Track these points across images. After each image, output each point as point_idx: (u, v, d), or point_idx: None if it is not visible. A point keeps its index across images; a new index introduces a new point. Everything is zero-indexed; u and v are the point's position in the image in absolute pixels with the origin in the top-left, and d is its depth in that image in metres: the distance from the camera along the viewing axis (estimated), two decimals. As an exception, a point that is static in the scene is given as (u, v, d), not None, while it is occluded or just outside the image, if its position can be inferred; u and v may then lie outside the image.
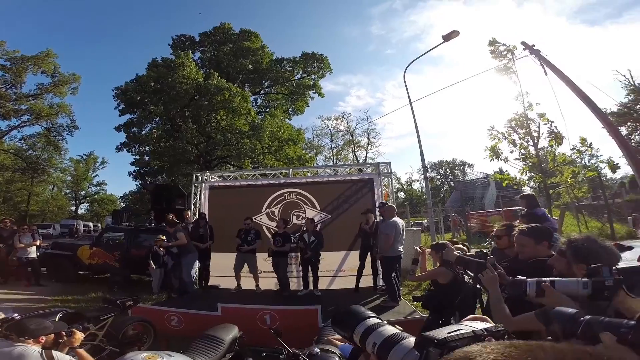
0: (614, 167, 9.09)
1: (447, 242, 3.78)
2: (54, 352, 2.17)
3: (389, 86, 71.74)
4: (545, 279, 1.52)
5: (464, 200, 29.91)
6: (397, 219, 6.24)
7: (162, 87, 20.87)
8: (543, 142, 8.95)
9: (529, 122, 8.58)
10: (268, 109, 30.18)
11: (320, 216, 7.98)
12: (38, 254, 8.67)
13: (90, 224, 36.91)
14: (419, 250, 3.78)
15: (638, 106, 24.46)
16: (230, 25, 28.36)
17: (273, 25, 66.27)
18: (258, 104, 30.83)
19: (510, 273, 2.66)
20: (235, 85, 23.93)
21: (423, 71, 62.52)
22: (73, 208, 44.89)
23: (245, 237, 7.10)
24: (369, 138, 41.21)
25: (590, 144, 8.79)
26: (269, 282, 7.21)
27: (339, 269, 7.50)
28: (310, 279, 6.80)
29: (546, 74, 8.05)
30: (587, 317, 1.00)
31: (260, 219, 8.11)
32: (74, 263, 8.80)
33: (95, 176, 45.85)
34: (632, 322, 0.92)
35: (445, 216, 20.84)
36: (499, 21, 62.97)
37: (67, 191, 44.13)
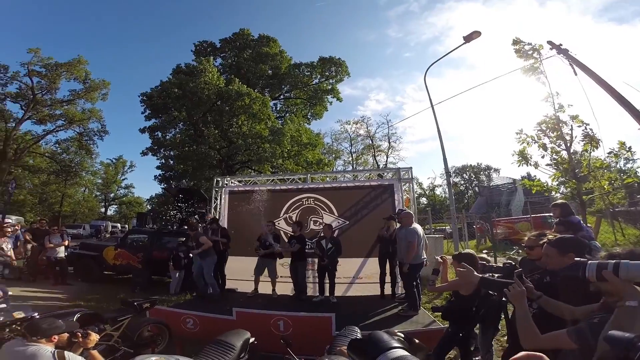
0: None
1: (471, 251, 3.61)
2: (66, 353, 2.19)
3: (408, 89, 71.28)
4: (607, 262, 1.45)
5: (489, 206, 28.96)
6: (416, 225, 6.08)
7: (185, 92, 21.44)
8: (576, 146, 8.48)
9: (560, 124, 8.14)
10: (287, 114, 30.44)
11: (338, 222, 7.88)
12: (66, 254, 9.02)
13: (118, 225, 38.27)
14: (439, 260, 3.68)
15: None
16: (249, 31, 28.94)
17: (291, 30, 67.50)
18: (278, 108, 31.20)
19: (540, 286, 2.50)
20: (256, 90, 24.34)
21: (443, 74, 61.70)
22: (103, 209, 46.83)
23: (265, 240, 7.09)
24: (389, 142, 40.53)
25: (630, 148, 8.24)
26: (285, 287, 7.15)
27: (356, 276, 7.37)
28: (327, 286, 6.72)
29: (576, 73, 7.66)
30: None
31: (279, 223, 8.10)
32: (100, 263, 9.09)
33: (124, 179, 47.94)
34: None
35: (469, 222, 20.25)
36: (521, 21, 61.25)
37: (98, 193, 46.17)
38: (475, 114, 67.69)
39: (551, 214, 11.68)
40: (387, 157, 41.05)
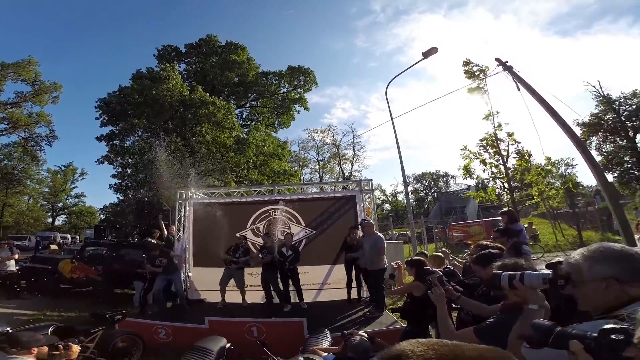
0: (574, 185, 9.73)
1: (420, 257, 4.06)
2: None
3: (372, 99, 73.61)
4: (515, 272, 1.70)
5: (445, 211, 30.62)
6: (378, 233, 6.55)
7: (146, 99, 20.73)
8: (512, 161, 9.62)
9: (498, 141, 9.18)
10: (254, 122, 30.28)
11: (305, 232, 8.16)
12: (17, 267, 8.53)
13: (68, 235, 35.75)
14: (395, 265, 4.09)
15: (608, 116, 25.52)
16: (217, 37, 28.56)
17: (259, 37, 67.33)
18: (244, 117, 30.90)
19: (471, 288, 2.98)
20: (221, 98, 23.97)
21: (406, 84, 64.77)
22: (50, 220, 43.37)
23: (234, 253, 7.23)
24: (354, 151, 41.94)
25: (555, 162, 9.48)
26: (255, 296, 7.30)
27: (324, 282, 7.68)
28: (294, 293, 6.95)
29: (519, 89, 8.60)
30: (559, 328, 1.08)
31: (246, 234, 8.22)
32: (55, 277, 8.69)
33: (74, 187, 44.65)
34: (595, 334, 0.99)
35: (427, 227, 21.40)
36: (477, 33, 65.92)
37: (44, 203, 42.63)
38: (434, 123, 71.63)
39: (499, 218, 12.82)
40: (352, 165, 42.38)
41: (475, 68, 9.25)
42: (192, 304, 7.37)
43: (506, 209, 5.89)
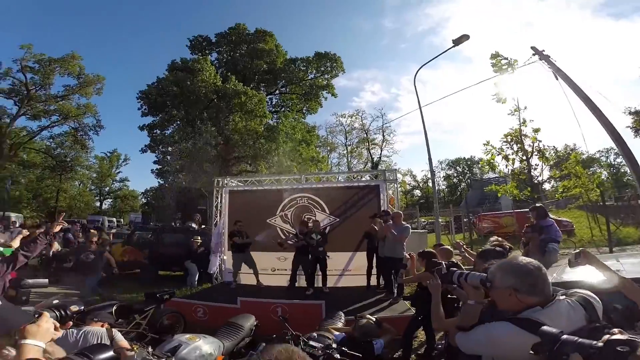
0: (602, 183, 9.45)
1: (431, 250, 4.40)
2: (114, 330, 2.75)
3: (403, 80, 71.56)
4: (464, 271, 1.89)
5: (478, 200, 29.67)
6: (405, 224, 6.96)
7: (183, 91, 21.82)
8: (535, 159, 9.55)
9: (523, 138, 9.08)
10: (283, 109, 30.82)
11: (329, 219, 8.52)
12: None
13: (114, 219, 38.49)
14: (407, 256, 4.45)
15: None
16: (245, 26, 29.12)
17: (286, 21, 66.84)
18: (273, 103, 31.58)
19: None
20: (251, 86, 24.70)
21: (440, 66, 62.35)
22: (98, 204, 46.92)
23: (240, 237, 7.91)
24: (383, 136, 41.32)
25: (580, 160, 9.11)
26: (280, 279, 7.87)
27: (346, 268, 8.08)
28: (319, 277, 7.46)
29: (557, 78, 8.32)
30: (565, 337, 1.12)
31: (275, 221, 8.74)
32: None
33: (118, 172, 47.54)
34: (600, 344, 1.01)
35: (456, 216, 21.12)
36: (519, 14, 61.32)
37: (92, 187, 45.93)
38: (472, 107, 68.84)
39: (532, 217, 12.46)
40: (381, 150, 41.89)
41: (503, 61, 9.04)
42: (225, 286, 8.10)
43: (537, 204, 5.88)
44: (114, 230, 20.29)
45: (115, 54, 64.35)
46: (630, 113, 23.07)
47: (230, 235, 8.17)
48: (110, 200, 49.87)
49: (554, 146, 10.48)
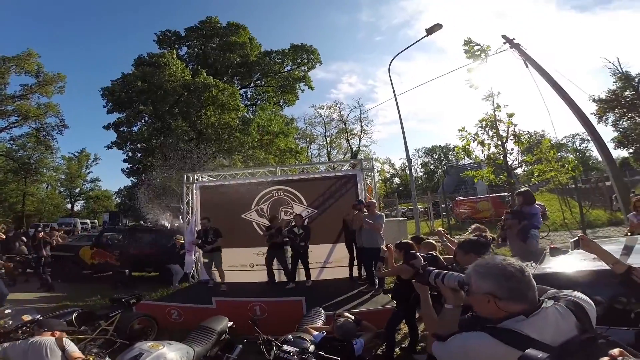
0: (576, 167, 9.76)
1: (409, 241, 4.26)
2: (65, 339, 2.58)
3: (380, 73, 72.86)
4: (441, 271, 1.69)
5: (455, 186, 30.37)
6: (379, 212, 6.79)
7: (150, 86, 21.03)
8: (510, 143, 9.75)
9: (497, 123, 9.23)
10: (259, 102, 30.42)
11: (307, 211, 8.34)
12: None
13: (88, 221, 37.03)
14: (384, 248, 4.29)
15: (626, 93, 25.04)
16: (217, 19, 28.29)
17: (260, 15, 65.58)
18: (248, 96, 31.08)
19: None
20: (224, 79, 24.13)
21: (414, 57, 63.17)
22: (69, 206, 44.92)
23: (205, 237, 7.54)
24: (361, 126, 41.87)
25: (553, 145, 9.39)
26: (260, 275, 7.69)
27: (327, 260, 7.95)
28: (301, 271, 7.32)
29: (527, 66, 8.45)
30: None
31: (251, 215, 8.49)
32: (77, 263, 9.23)
33: (88, 173, 45.70)
34: None
35: (435, 202, 21.43)
36: (490, 6, 62.69)
37: (62, 189, 43.94)
38: (446, 96, 70.21)
39: (507, 194, 12.62)
40: (359, 140, 42.37)
41: (476, 47, 9.09)
42: (202, 285, 7.84)
43: (523, 188, 5.66)
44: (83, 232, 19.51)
45: (78, 52, 61.15)
46: (594, 100, 24.48)
47: (197, 234, 7.83)
48: (82, 201, 47.87)
49: (527, 131, 10.91)
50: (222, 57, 26.53)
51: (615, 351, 0.90)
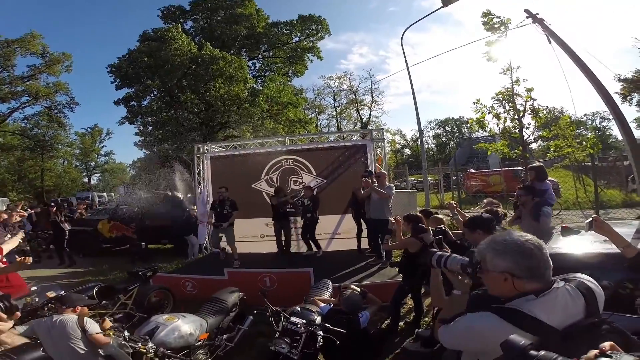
0: (595, 144, 9.43)
1: (418, 214, 4.19)
2: (85, 318, 2.64)
3: (392, 44, 70.04)
4: (444, 254, 1.66)
5: (467, 158, 29.79)
6: (389, 184, 6.71)
7: (157, 61, 20.94)
8: (527, 118, 9.47)
9: (515, 96, 8.92)
10: (267, 73, 30.02)
11: (317, 181, 8.31)
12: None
13: (104, 194, 38.13)
14: (393, 220, 4.21)
15: None
16: (222, -9, 27.43)
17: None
18: (257, 68, 30.69)
19: (461, 250, 2.79)
20: (232, 52, 23.86)
21: (429, 29, 60.25)
22: (86, 179, 46.25)
23: (221, 208, 7.19)
24: (372, 97, 41.01)
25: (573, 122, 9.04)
26: (270, 246, 7.78)
27: (335, 231, 8.01)
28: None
29: (550, 42, 8.05)
30: (540, 353, 0.89)
31: (260, 185, 8.53)
32: (96, 238, 9.39)
33: (102, 147, 46.63)
34: None
35: (445, 174, 20.86)
36: None
37: (78, 164, 45.13)
38: (462, 68, 67.28)
39: (521, 168, 12.29)
40: (370, 111, 41.68)
41: (495, 20, 8.56)
42: (215, 256, 7.88)
43: (536, 163, 5.41)
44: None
45: (83, 30, 60.14)
46: (619, 80, 23.32)
47: (212, 204, 7.63)
48: (98, 174, 49.22)
49: (546, 106, 10.47)
50: (229, 30, 26.00)
51: (606, 345, 0.87)
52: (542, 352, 0.90)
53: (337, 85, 40.69)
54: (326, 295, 3.89)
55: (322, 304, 3.36)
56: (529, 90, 9.13)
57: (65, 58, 27.79)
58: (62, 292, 3.12)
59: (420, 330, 3.87)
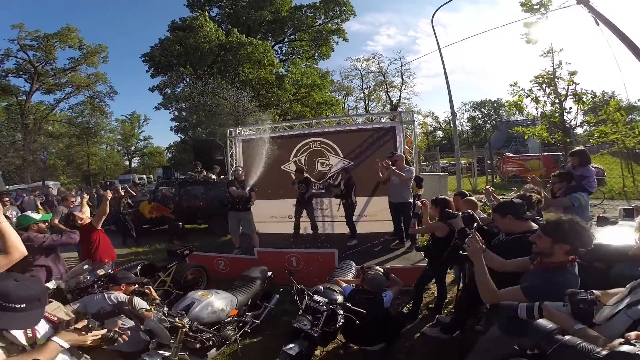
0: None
1: (446, 197, 4.13)
2: (135, 297, 2.79)
3: (421, 24, 66.44)
4: (533, 304, 1.57)
5: (506, 140, 28.28)
6: (408, 166, 6.60)
7: (187, 49, 21.67)
8: (569, 102, 8.88)
9: (556, 80, 8.35)
10: (293, 57, 30.01)
11: (344, 163, 8.33)
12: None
13: (144, 176, 40.38)
14: (420, 204, 4.16)
15: None
16: (244, -24, 27.43)
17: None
18: (283, 52, 30.87)
19: (489, 236, 2.80)
20: (258, 37, 24.06)
21: (461, 8, 56.78)
22: (127, 163, 49.12)
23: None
24: (402, 78, 39.69)
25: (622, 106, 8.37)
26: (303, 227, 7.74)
27: (362, 214, 8.02)
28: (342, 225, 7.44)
29: (598, 24, 7.45)
30: (565, 338, 0.95)
31: (289, 166, 8.68)
32: (139, 218, 9.79)
33: (141, 132, 49.39)
34: (604, 352, 0.89)
35: (480, 157, 19.91)
36: None
37: (119, 148, 48.10)
38: (499, 50, 62.60)
39: (561, 154, 11.58)
40: (400, 93, 40.51)
41: (534, 1, 7.95)
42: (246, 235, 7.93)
43: (578, 148, 5.06)
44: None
45: (114, 22, 61.98)
46: None
47: (228, 184, 7.31)
48: (137, 158, 52.10)
49: (592, 90, 9.64)
50: (254, 15, 26.19)
51: (632, 334, 0.91)
52: (567, 337, 0.95)
53: (364, 67, 39.78)
54: (349, 276, 3.99)
55: (345, 285, 3.47)
56: (572, 73, 8.56)
57: (102, 49, 29.55)
58: (111, 270, 3.40)
59: (441, 316, 3.86)
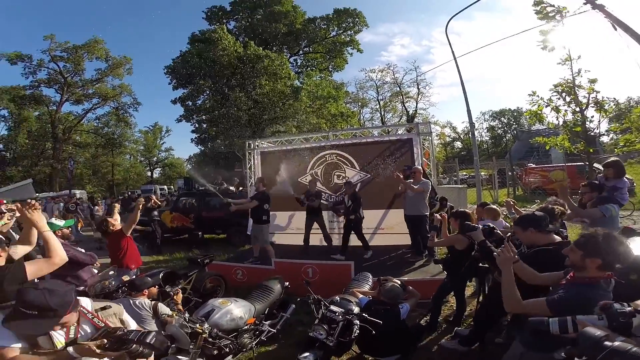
0: None
1: (466, 210, 4.13)
2: (159, 304, 2.94)
3: (435, 33, 66.34)
4: (566, 318, 1.49)
5: (528, 151, 27.69)
6: (424, 179, 6.58)
7: (206, 61, 22.45)
8: (590, 111, 8.69)
9: (576, 89, 8.20)
10: (308, 69, 30.66)
11: (360, 176, 8.32)
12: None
13: (165, 187, 41.30)
14: (438, 217, 4.14)
15: None
16: (259, -11, 28.48)
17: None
18: (298, 64, 31.57)
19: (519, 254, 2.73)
20: (274, 49, 24.71)
21: (475, 17, 56.50)
22: (149, 173, 50.50)
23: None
24: (418, 88, 39.53)
25: None
26: (315, 238, 7.90)
27: (378, 226, 8.00)
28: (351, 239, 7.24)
29: (615, 29, 7.34)
30: (615, 344, 0.92)
31: (306, 179, 8.71)
32: (160, 227, 9.91)
33: (163, 143, 50.61)
34: None
35: (501, 169, 19.43)
36: None
37: (142, 159, 49.42)
38: (516, 58, 61.61)
39: (585, 164, 11.21)
40: (416, 103, 40.42)
41: (549, 9, 7.89)
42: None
43: (613, 159, 4.89)
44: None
45: (137, 34, 64.83)
46: None
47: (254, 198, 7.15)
48: (159, 169, 53.43)
49: (614, 98, 9.34)
50: (269, 28, 27.12)
51: None
52: (617, 343, 0.94)
53: (379, 78, 39.81)
54: (366, 287, 4.02)
55: (361, 296, 3.50)
56: (592, 81, 8.39)
57: (126, 61, 30.83)
58: (135, 276, 3.56)
59: (459, 328, 3.83)
